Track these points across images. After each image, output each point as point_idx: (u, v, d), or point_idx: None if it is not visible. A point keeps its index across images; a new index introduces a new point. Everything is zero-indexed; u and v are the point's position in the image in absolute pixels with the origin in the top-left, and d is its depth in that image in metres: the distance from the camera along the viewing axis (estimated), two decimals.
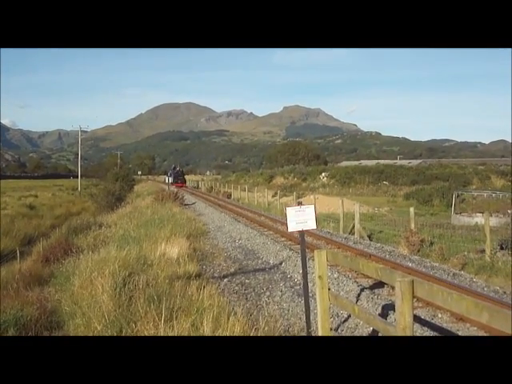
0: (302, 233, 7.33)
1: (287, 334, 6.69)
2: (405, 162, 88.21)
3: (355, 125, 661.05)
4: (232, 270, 11.82)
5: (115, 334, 6.18)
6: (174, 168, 73.36)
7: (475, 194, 31.82)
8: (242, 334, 5.65)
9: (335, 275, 10.33)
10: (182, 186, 61.35)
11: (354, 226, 18.59)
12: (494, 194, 29.77)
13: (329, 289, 6.40)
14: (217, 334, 5.53)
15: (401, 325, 4.03)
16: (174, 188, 48.81)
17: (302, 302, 7.63)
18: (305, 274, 7.17)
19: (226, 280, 10.64)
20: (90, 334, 6.43)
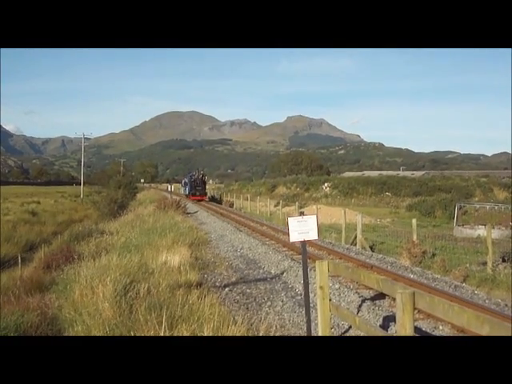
0: (303, 243, 7.33)
1: None
2: (408, 174, 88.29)
3: (358, 135, 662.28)
4: (233, 279, 11.80)
5: None
6: (192, 175, 50.69)
7: (477, 206, 31.77)
8: None
9: (336, 286, 10.31)
10: (201, 200, 46.12)
11: (356, 237, 18.57)
12: (496, 207, 29.72)
13: (330, 299, 6.40)
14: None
15: None
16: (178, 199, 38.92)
17: (303, 312, 7.61)
18: (306, 285, 7.16)
19: (227, 289, 10.62)
20: None
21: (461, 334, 7.35)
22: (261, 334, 6.25)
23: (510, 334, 3.05)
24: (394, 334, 4.69)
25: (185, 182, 53.60)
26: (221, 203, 49.01)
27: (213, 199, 52.65)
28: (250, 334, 6.32)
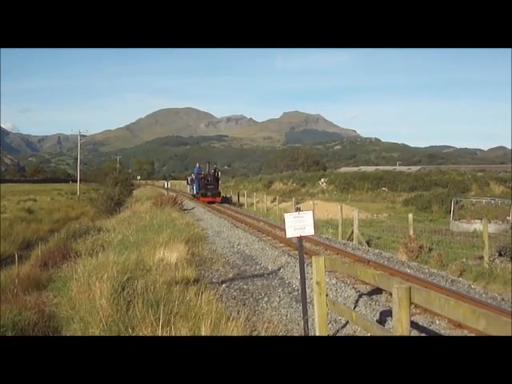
0: (300, 239, 7.34)
1: None
2: (404, 169, 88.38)
3: (355, 131, 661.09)
4: (230, 275, 11.81)
5: None
6: (200, 169, 39.27)
7: (474, 200, 31.80)
8: None
9: (333, 281, 10.33)
10: (213, 202, 35.52)
11: (352, 232, 18.59)
12: (492, 201, 29.74)
13: (326, 295, 6.41)
14: None
15: (398, 331, 4.04)
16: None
17: (300, 307, 7.63)
18: (303, 280, 7.17)
19: (224, 285, 10.63)
20: None
21: (459, 334, 7.38)
22: (258, 330, 6.26)
23: (506, 328, 3.06)
24: (391, 329, 4.71)
25: (191, 179, 41.30)
26: (231, 201, 42.39)
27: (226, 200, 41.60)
28: (247, 330, 6.33)
